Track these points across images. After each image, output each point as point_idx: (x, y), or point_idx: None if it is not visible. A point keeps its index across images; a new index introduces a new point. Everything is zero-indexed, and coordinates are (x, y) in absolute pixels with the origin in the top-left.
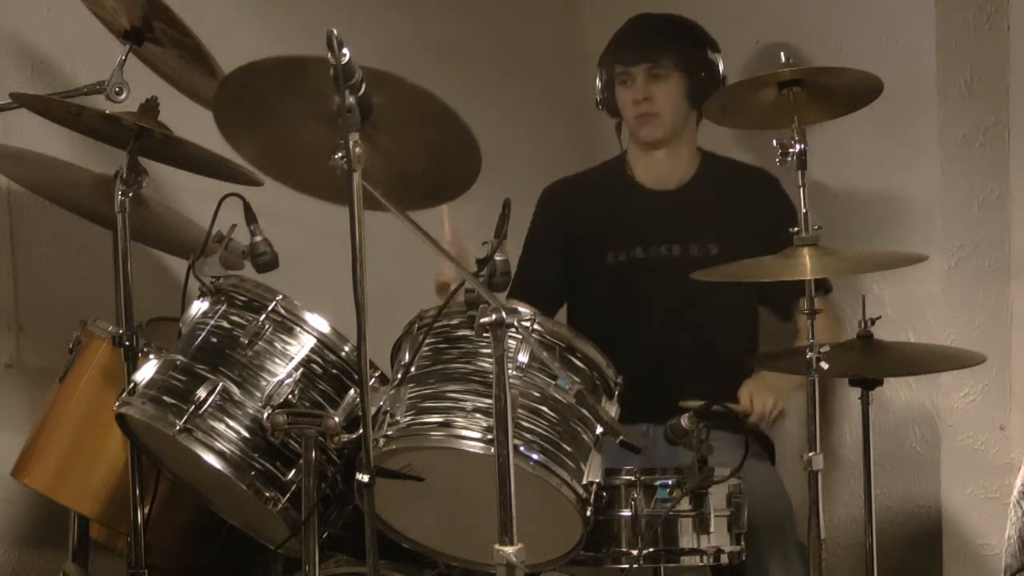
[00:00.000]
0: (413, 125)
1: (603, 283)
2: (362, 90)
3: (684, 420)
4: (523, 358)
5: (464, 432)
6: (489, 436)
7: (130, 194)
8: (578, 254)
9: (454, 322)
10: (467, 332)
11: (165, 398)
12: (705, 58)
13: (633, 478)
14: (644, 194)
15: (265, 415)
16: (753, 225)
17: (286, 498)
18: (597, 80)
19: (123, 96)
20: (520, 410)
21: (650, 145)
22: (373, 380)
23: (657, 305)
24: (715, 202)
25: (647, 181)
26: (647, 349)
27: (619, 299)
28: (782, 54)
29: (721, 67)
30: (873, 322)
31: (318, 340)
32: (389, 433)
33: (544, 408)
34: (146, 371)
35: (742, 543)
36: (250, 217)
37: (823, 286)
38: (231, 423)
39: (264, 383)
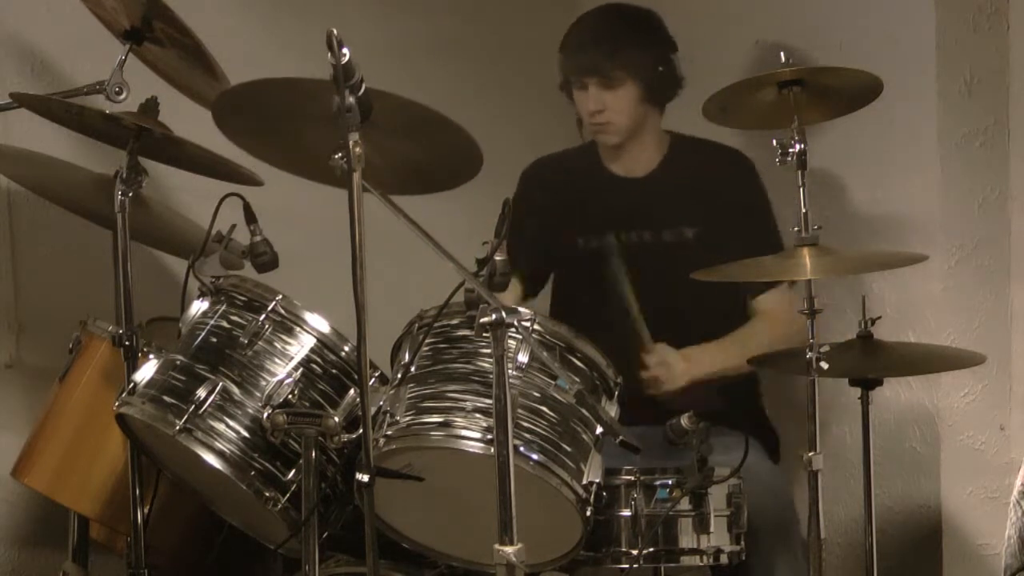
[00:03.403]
0: (411, 136)
1: (575, 269)
2: (362, 90)
3: (684, 420)
4: (523, 358)
5: (464, 432)
6: (489, 436)
7: (130, 194)
8: (552, 238)
9: (454, 322)
10: (467, 332)
11: (165, 398)
12: (661, 55)
13: (633, 478)
14: (615, 181)
15: (265, 415)
16: (726, 207)
17: (286, 498)
18: (560, 64)
19: (123, 96)
20: (520, 410)
21: (610, 146)
22: (373, 380)
23: (631, 292)
24: (687, 185)
25: (617, 169)
26: (621, 336)
27: (591, 285)
28: (782, 54)
29: (677, 58)
30: (873, 322)
31: (318, 340)
32: (389, 433)
33: (544, 408)
34: (146, 371)
35: (742, 543)
36: (250, 217)
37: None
38: (231, 423)
39: (264, 383)
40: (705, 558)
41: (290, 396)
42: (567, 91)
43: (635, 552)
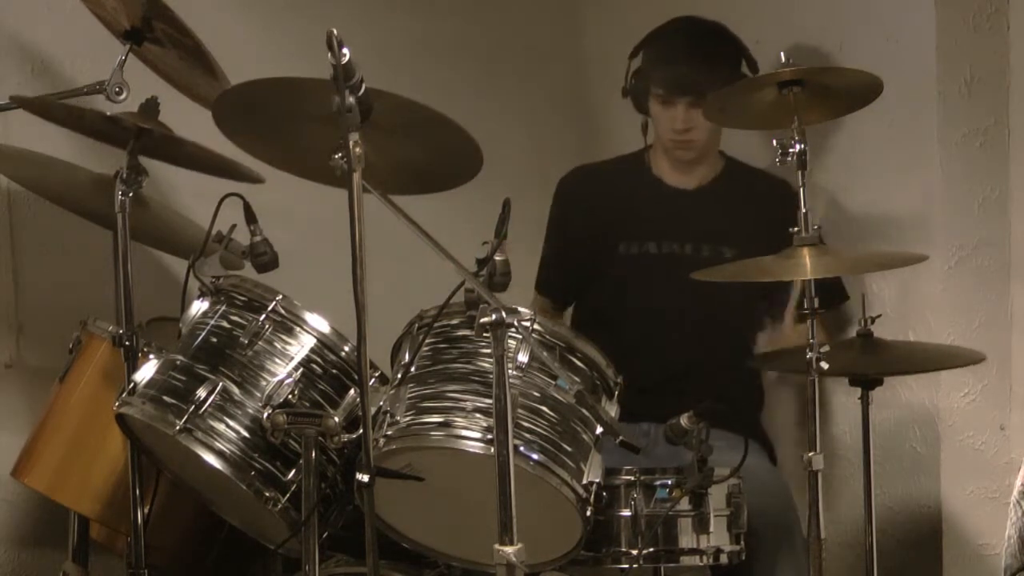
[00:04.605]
0: (411, 136)
1: (612, 275)
2: (362, 90)
3: (684, 420)
4: (523, 358)
5: (464, 432)
6: (489, 436)
7: (130, 194)
8: (589, 243)
9: (454, 322)
10: (467, 332)
11: (165, 398)
12: (741, 73)
13: (633, 478)
14: (664, 190)
15: (265, 415)
16: (770, 234)
17: (286, 498)
18: (628, 69)
19: (123, 96)
20: (520, 410)
21: (682, 161)
22: (373, 380)
23: (665, 302)
24: (734, 206)
25: (668, 178)
26: (653, 345)
27: (627, 293)
28: (782, 54)
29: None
30: (873, 321)
31: (318, 340)
32: (389, 433)
33: (544, 408)
34: (146, 371)
35: (742, 543)
36: (250, 217)
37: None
38: (231, 423)
39: (264, 383)
40: (705, 558)
41: (290, 396)
42: (636, 98)
43: (635, 552)
